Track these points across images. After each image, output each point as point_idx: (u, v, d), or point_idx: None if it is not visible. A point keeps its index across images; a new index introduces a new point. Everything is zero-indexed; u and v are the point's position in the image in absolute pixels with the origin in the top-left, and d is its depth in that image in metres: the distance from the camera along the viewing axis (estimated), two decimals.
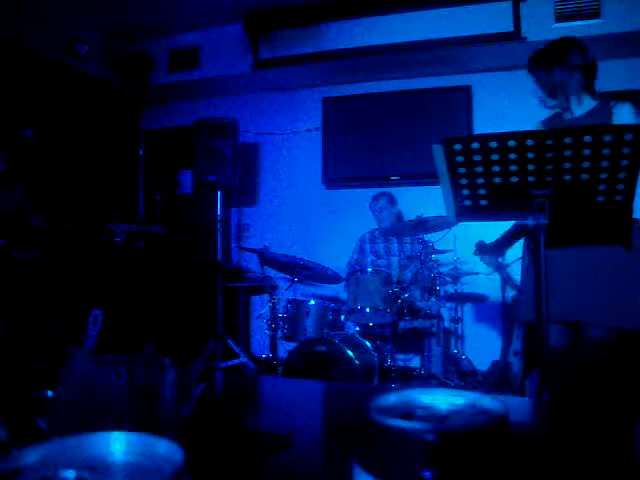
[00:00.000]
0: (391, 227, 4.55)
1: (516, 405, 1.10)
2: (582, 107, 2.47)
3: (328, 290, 5.23)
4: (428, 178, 4.68)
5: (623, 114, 2.33)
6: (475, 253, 2.88)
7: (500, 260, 3.00)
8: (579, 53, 2.47)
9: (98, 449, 0.33)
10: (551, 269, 2.35)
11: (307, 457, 0.74)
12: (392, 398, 0.42)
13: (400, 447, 0.35)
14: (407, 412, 0.41)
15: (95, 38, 5.33)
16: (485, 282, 4.69)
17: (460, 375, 4.44)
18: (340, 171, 5.55)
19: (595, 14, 4.36)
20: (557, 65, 2.46)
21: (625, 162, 1.77)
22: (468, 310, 5.12)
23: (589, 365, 2.38)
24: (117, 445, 0.33)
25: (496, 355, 4.62)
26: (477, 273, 4.41)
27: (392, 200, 4.76)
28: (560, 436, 0.85)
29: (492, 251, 2.84)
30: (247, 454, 0.68)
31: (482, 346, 4.86)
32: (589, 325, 2.35)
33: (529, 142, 1.78)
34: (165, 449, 0.32)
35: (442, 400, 0.42)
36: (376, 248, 4.76)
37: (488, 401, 0.41)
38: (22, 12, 4.61)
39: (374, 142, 5.41)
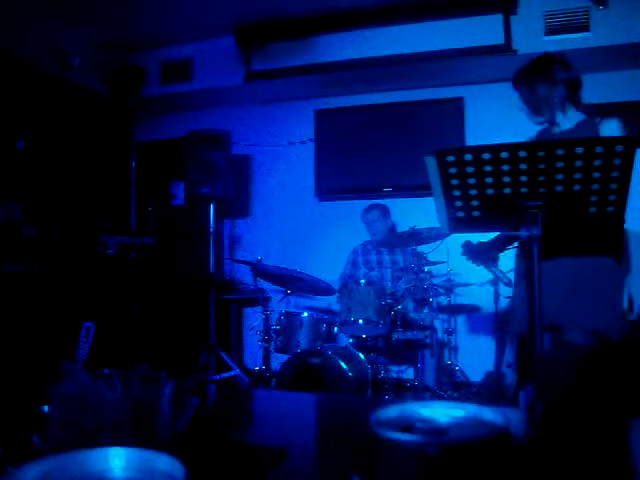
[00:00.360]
0: (384, 239, 4.55)
1: (512, 416, 1.10)
2: (569, 121, 2.51)
3: (321, 302, 5.22)
4: (421, 190, 4.70)
5: (610, 131, 2.34)
6: (462, 254, 2.88)
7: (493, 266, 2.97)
8: (562, 68, 2.50)
9: (97, 465, 0.33)
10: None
11: (303, 470, 0.74)
12: (392, 411, 0.41)
13: (402, 460, 0.35)
14: (407, 425, 0.41)
15: (87, 50, 5.33)
16: (478, 293, 4.70)
17: (454, 386, 4.43)
18: (333, 183, 5.56)
19: (584, 27, 4.41)
20: (540, 80, 2.49)
21: (616, 173, 1.78)
22: (461, 321, 5.12)
23: (570, 370, 2.40)
24: (116, 461, 0.33)
25: (490, 366, 4.62)
26: (470, 284, 4.42)
27: (385, 212, 4.76)
28: (558, 447, 0.85)
29: (481, 251, 2.83)
30: (244, 468, 0.67)
31: (476, 357, 4.85)
32: (569, 328, 2.38)
33: (522, 153, 1.79)
34: (165, 465, 0.31)
35: (442, 413, 0.42)
36: (368, 260, 4.75)
37: (488, 413, 0.41)
38: (14, 25, 4.61)
39: (367, 154, 5.43)
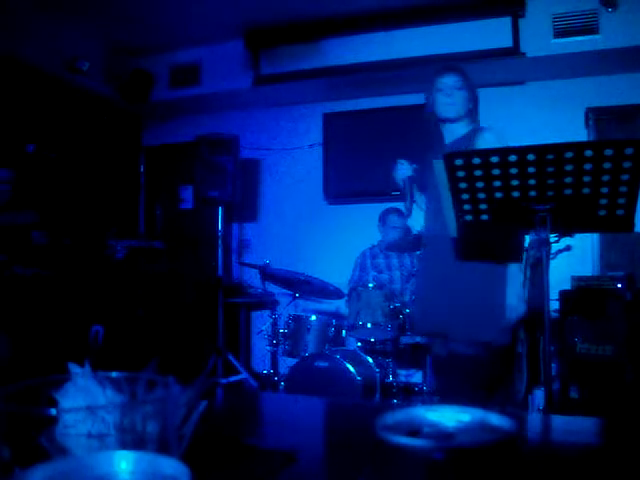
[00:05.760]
0: (393, 243, 4.52)
1: (521, 421, 1.09)
2: (456, 132, 2.68)
3: (329, 306, 5.22)
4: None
5: (486, 139, 2.50)
6: None
7: None
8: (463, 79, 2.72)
9: (103, 469, 0.33)
10: (431, 280, 2.52)
11: (312, 474, 0.74)
12: (398, 415, 0.41)
13: (408, 465, 0.35)
14: (414, 429, 0.40)
15: (96, 55, 5.36)
16: None
17: None
18: (341, 186, 5.55)
19: (593, 30, 4.39)
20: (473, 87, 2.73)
21: (626, 176, 1.77)
22: None
23: (461, 377, 2.46)
24: (123, 465, 0.33)
25: None
26: None
27: (405, 219, 4.73)
28: (569, 453, 0.84)
29: None
30: (252, 472, 0.67)
31: None
32: (453, 339, 2.45)
33: (530, 157, 1.79)
34: (172, 469, 0.31)
35: (449, 417, 0.42)
36: (377, 263, 4.73)
37: (496, 418, 0.40)
38: (24, 29, 4.65)
39: (375, 157, 5.42)
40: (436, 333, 2.57)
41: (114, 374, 0.56)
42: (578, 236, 4.21)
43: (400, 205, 4.94)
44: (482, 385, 2.46)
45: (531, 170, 1.81)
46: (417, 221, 2.90)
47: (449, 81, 2.65)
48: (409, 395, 4.27)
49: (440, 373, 2.81)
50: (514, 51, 4.58)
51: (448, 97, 2.62)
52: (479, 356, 2.42)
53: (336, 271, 4.91)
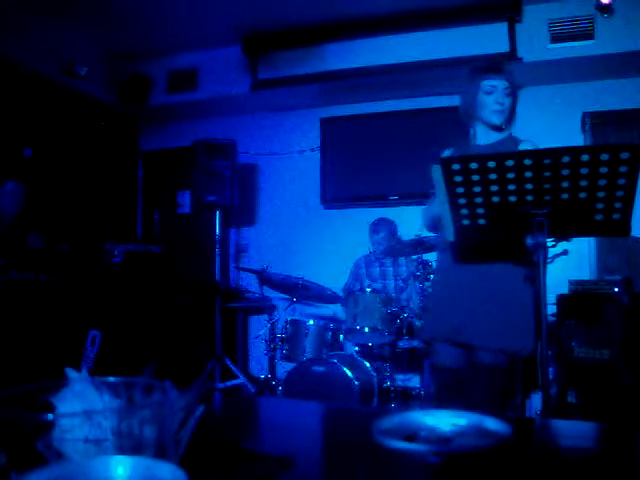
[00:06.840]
0: (387, 249, 4.51)
1: (518, 425, 1.09)
2: (493, 136, 2.55)
3: (327, 310, 5.21)
4: (427, 198, 4.68)
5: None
6: None
7: None
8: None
9: (100, 474, 0.33)
10: (451, 286, 2.45)
11: (310, 479, 0.74)
12: (396, 420, 0.41)
13: (405, 469, 0.35)
14: (411, 434, 0.40)
15: (94, 59, 5.37)
16: None
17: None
18: (339, 191, 5.56)
19: (589, 35, 4.41)
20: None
21: (622, 181, 1.77)
22: None
23: (482, 388, 2.40)
24: (120, 470, 0.33)
25: None
26: None
27: (393, 231, 4.67)
28: (567, 457, 0.84)
29: None
30: (249, 476, 0.67)
31: None
32: (479, 348, 2.38)
33: (527, 161, 1.79)
34: (169, 473, 0.31)
35: (445, 421, 0.42)
36: (371, 272, 4.72)
37: (492, 422, 0.41)
38: (21, 33, 4.65)
39: (373, 162, 5.43)
40: (456, 341, 2.44)
41: (111, 379, 0.56)
42: (575, 240, 4.22)
43: (393, 210, 4.94)
44: (496, 395, 2.39)
45: (528, 174, 1.81)
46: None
47: (499, 85, 2.44)
48: (406, 399, 4.26)
49: (441, 382, 2.68)
50: (511, 56, 4.59)
51: (499, 104, 2.44)
52: (501, 365, 2.37)
53: (333, 275, 4.91)
